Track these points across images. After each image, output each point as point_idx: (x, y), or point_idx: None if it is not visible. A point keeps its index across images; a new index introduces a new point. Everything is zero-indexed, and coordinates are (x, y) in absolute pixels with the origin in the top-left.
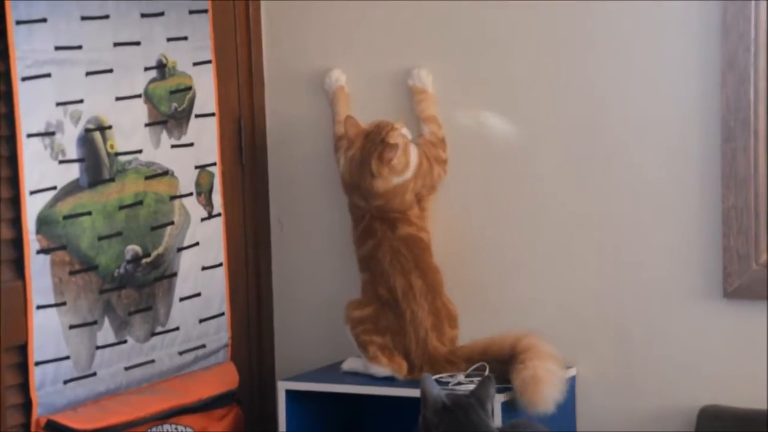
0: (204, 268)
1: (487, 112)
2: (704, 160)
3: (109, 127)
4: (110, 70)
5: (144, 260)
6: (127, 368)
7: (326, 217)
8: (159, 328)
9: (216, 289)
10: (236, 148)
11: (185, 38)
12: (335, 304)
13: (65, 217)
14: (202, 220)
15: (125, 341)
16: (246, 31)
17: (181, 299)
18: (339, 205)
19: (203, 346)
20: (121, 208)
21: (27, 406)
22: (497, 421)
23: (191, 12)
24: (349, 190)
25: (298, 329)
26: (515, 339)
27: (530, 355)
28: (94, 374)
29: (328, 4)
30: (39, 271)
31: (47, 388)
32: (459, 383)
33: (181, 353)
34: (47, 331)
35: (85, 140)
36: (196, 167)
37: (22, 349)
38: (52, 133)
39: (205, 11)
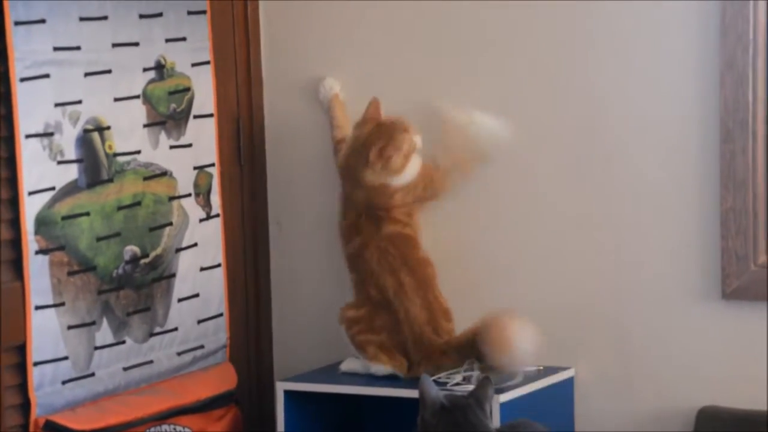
0: (202, 269)
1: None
2: (703, 161)
3: (108, 128)
4: (109, 71)
5: (142, 261)
6: (125, 369)
7: (325, 218)
8: (157, 329)
9: (214, 290)
10: (235, 148)
11: (184, 39)
12: (333, 304)
13: (64, 218)
14: (201, 220)
15: (124, 342)
16: (244, 32)
17: (180, 300)
18: (337, 206)
19: (202, 346)
20: (120, 208)
21: (25, 406)
22: (496, 421)
23: (190, 13)
24: (343, 174)
25: (297, 330)
26: (495, 315)
27: (500, 316)
28: (93, 375)
29: (327, 5)
30: (37, 271)
31: (46, 388)
32: (457, 384)
33: (179, 354)
34: (46, 331)
35: (84, 141)
36: (195, 168)
37: (21, 350)
38: (51, 134)
39: (204, 12)
